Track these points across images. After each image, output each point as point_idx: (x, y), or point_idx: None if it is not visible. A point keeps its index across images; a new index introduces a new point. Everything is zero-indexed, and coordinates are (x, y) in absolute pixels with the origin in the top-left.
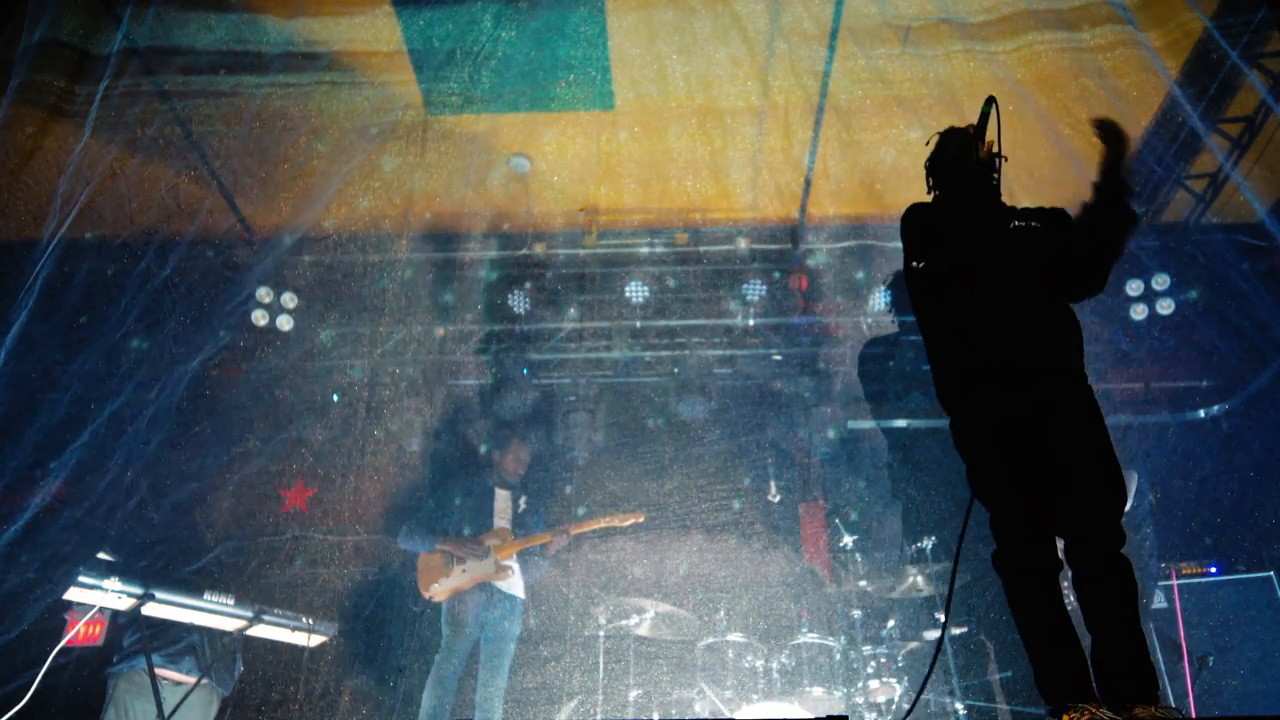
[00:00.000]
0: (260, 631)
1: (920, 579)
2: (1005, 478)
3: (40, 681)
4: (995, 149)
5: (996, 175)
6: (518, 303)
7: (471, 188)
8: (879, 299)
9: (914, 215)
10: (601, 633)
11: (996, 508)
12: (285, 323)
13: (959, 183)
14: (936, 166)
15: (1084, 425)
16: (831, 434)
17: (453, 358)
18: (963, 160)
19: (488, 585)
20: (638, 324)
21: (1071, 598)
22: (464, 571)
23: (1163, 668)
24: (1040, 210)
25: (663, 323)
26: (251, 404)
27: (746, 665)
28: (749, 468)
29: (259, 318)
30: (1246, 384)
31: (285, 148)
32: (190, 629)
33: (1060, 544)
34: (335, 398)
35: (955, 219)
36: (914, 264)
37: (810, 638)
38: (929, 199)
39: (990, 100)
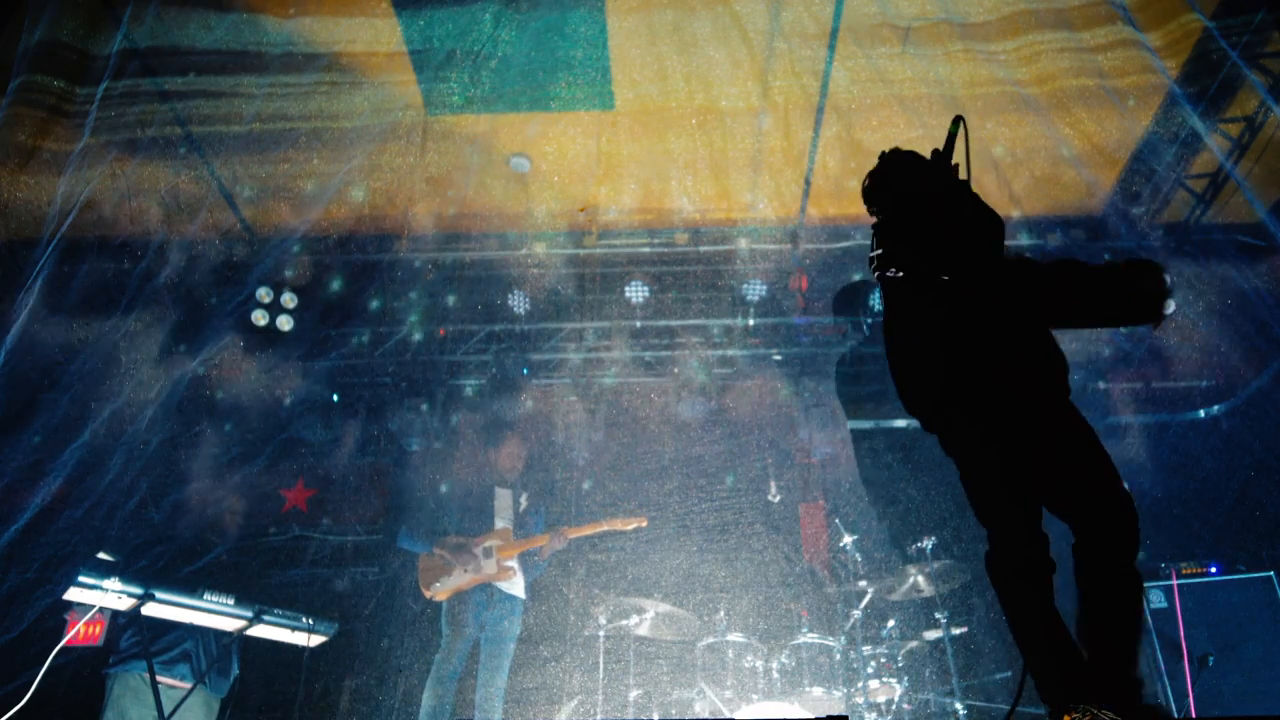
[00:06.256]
0: (260, 631)
1: (920, 579)
2: (997, 478)
3: (40, 681)
4: (963, 170)
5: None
6: (518, 303)
7: (471, 188)
8: (879, 299)
9: (884, 227)
10: (601, 633)
11: (988, 509)
12: (285, 323)
13: (928, 202)
14: (888, 187)
15: (1079, 429)
16: (831, 434)
17: (453, 358)
18: (936, 182)
19: (488, 585)
20: (638, 324)
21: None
22: (465, 571)
23: (1163, 667)
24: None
25: (663, 323)
26: (251, 404)
27: (746, 665)
28: (749, 468)
29: (259, 318)
30: (1246, 384)
31: (285, 148)
32: (185, 635)
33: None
34: (335, 398)
35: (936, 230)
36: (890, 273)
37: (810, 638)
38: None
39: (958, 120)
